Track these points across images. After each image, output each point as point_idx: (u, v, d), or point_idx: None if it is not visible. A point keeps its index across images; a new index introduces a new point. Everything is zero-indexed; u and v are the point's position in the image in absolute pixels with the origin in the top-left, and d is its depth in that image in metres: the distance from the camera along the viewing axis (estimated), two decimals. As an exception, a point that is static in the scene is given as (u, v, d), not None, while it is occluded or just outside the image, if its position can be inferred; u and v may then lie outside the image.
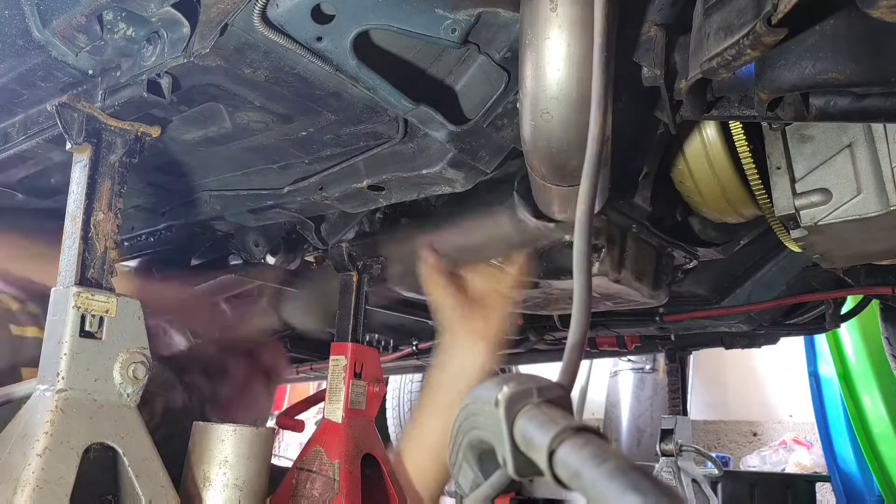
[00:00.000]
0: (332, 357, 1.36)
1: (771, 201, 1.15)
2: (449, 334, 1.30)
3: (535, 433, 0.45)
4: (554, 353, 2.48)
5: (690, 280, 1.76)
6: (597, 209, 1.10)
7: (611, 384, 4.87)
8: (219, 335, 1.62)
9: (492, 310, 1.28)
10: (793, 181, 1.11)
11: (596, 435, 0.43)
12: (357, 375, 1.33)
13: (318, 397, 1.46)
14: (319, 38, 0.89)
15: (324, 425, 1.32)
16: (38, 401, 0.90)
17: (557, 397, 0.48)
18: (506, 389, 0.48)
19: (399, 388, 4.43)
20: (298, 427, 1.63)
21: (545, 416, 0.45)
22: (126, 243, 1.58)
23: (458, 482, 0.58)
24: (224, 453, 0.98)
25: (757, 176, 1.19)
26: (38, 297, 1.23)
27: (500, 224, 1.25)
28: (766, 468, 4.57)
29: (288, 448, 5.97)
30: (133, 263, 1.67)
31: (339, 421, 1.29)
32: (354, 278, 1.41)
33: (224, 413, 1.52)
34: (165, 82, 0.94)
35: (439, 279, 1.29)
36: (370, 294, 1.45)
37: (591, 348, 2.42)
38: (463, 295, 1.30)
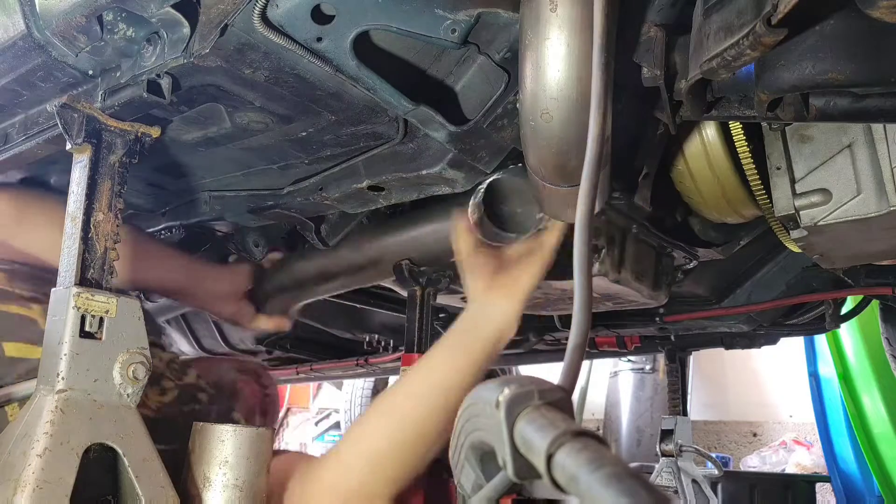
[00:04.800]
0: (401, 367, 1.44)
1: (771, 202, 1.15)
2: (472, 288, 1.23)
3: (535, 436, 0.45)
4: (553, 354, 2.48)
5: (690, 280, 1.76)
6: (597, 209, 1.10)
7: (611, 385, 4.87)
8: None
9: (521, 269, 1.22)
10: (793, 181, 1.11)
11: (594, 439, 0.43)
12: None
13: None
14: (319, 39, 0.89)
15: None
16: (38, 401, 0.90)
17: (558, 400, 0.48)
18: (507, 391, 0.48)
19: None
20: None
21: (545, 420, 0.45)
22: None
23: (461, 482, 0.58)
24: (224, 453, 0.98)
25: (757, 176, 1.19)
26: (27, 277, 1.22)
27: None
28: (766, 468, 4.56)
29: (288, 448, 5.96)
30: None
31: None
32: (419, 292, 1.47)
33: None
34: (165, 83, 0.94)
35: (470, 237, 1.24)
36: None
37: (591, 349, 2.42)
38: (493, 254, 1.25)
